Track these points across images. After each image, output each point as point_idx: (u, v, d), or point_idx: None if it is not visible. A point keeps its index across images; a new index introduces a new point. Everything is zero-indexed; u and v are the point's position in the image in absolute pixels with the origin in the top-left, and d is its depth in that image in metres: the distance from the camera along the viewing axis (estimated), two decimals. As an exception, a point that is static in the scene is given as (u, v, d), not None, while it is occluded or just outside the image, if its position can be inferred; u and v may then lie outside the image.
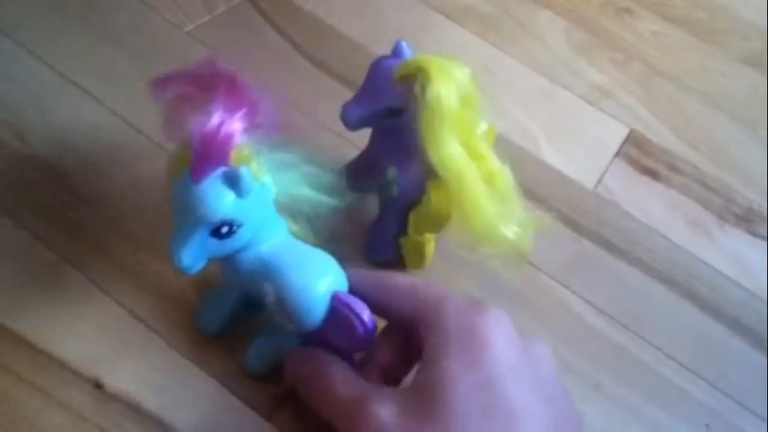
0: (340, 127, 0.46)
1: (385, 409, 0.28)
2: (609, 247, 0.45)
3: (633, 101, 0.56)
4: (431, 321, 0.30)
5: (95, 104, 0.44)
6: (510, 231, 0.34)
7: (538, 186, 0.47)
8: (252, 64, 0.49)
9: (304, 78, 0.50)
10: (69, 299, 0.36)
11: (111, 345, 0.35)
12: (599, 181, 0.49)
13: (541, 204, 0.46)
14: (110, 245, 0.38)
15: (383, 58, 0.36)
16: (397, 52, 0.35)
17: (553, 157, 0.50)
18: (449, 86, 0.33)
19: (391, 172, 0.37)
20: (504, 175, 0.35)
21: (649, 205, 0.49)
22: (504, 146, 0.49)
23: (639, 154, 0.52)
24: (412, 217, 0.38)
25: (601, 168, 0.50)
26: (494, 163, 0.35)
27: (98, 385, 0.33)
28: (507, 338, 0.29)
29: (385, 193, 0.39)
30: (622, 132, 0.53)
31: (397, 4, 0.58)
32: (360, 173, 0.41)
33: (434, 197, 0.36)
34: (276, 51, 0.51)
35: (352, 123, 0.35)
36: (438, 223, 0.37)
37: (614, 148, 0.52)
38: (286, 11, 0.53)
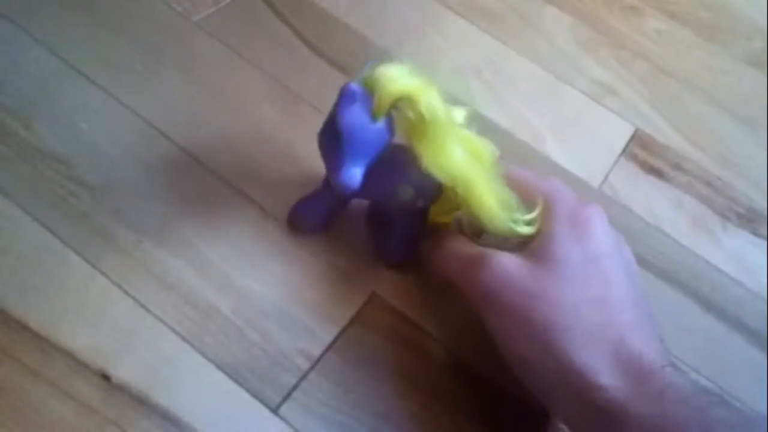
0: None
1: (506, 258, 0.34)
2: (613, 245, 0.45)
3: (637, 99, 0.56)
4: (546, 205, 0.35)
5: (101, 93, 0.44)
6: (517, 222, 0.35)
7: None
8: (257, 54, 0.49)
9: (309, 69, 0.49)
10: (75, 289, 0.36)
11: (117, 336, 0.35)
12: (604, 180, 0.49)
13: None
14: (116, 234, 0.38)
15: (345, 109, 0.33)
16: (349, 96, 0.33)
17: (557, 154, 0.50)
18: (430, 92, 0.33)
19: (407, 191, 0.36)
20: (489, 150, 0.36)
21: (653, 204, 0.49)
22: (508, 142, 0.49)
23: (644, 153, 0.52)
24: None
25: (607, 167, 0.50)
26: (479, 144, 0.36)
27: (105, 376, 0.33)
28: (604, 228, 0.35)
29: (407, 207, 0.37)
30: (627, 130, 0.53)
31: (402, -2, 0.58)
32: (372, 209, 0.42)
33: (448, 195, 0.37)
34: (281, 42, 0.51)
35: (357, 185, 0.34)
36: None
37: (619, 147, 0.52)
38: (292, 2, 0.53)
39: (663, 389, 0.29)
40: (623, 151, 0.52)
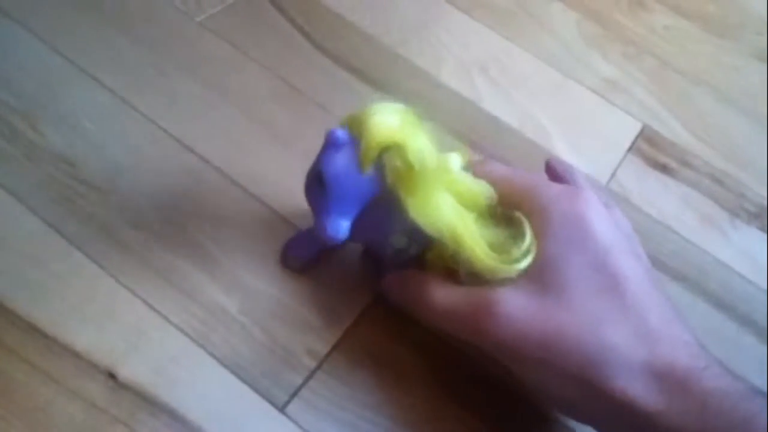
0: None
1: (509, 302, 0.31)
2: (621, 242, 0.45)
3: (645, 95, 0.55)
4: (531, 207, 0.33)
5: (107, 93, 0.44)
6: (514, 261, 0.32)
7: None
8: (263, 53, 0.49)
9: (314, 68, 0.49)
10: (82, 288, 0.36)
11: (124, 335, 0.35)
12: (612, 176, 0.49)
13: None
14: (122, 234, 0.38)
15: (330, 157, 0.31)
16: (334, 144, 0.31)
17: (565, 151, 0.49)
18: (420, 139, 0.31)
19: (400, 240, 0.35)
20: (484, 193, 0.34)
21: (662, 201, 0.48)
22: (515, 140, 0.49)
23: (651, 150, 0.51)
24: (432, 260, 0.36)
25: (614, 163, 0.50)
26: (473, 188, 0.34)
27: (111, 375, 0.33)
28: (601, 217, 0.32)
29: (401, 254, 0.36)
30: (634, 127, 0.53)
31: (408, -5, 0.58)
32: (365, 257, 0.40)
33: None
34: (287, 41, 0.50)
35: (344, 237, 0.32)
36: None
37: (627, 144, 0.51)
38: (297, 1, 0.53)
39: (704, 400, 0.28)
40: (631, 147, 0.51)
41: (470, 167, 0.35)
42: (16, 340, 0.33)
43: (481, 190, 0.34)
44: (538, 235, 0.32)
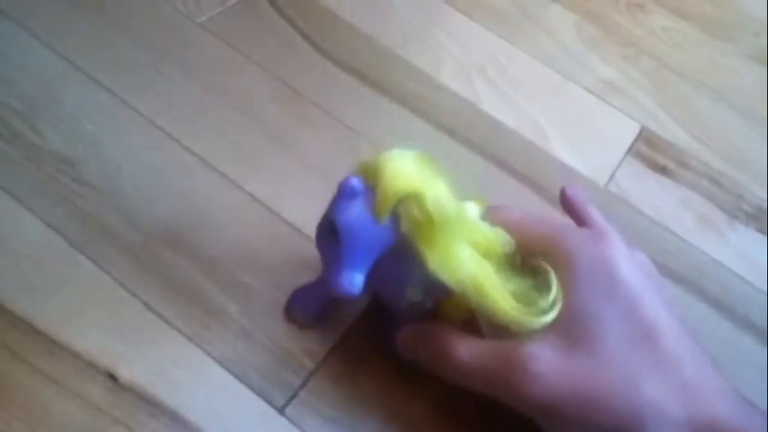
0: (353, 120, 0.47)
1: (539, 358, 0.29)
2: (619, 243, 0.45)
3: (643, 97, 0.56)
4: (553, 254, 0.31)
5: (106, 94, 0.44)
6: (541, 312, 0.30)
7: (549, 182, 0.47)
8: (263, 55, 0.49)
9: (315, 70, 0.50)
10: (82, 289, 0.36)
11: (124, 336, 0.35)
12: (611, 178, 0.49)
13: (553, 200, 0.46)
14: (122, 234, 0.38)
15: (344, 207, 0.30)
16: (349, 193, 0.29)
17: (563, 152, 0.50)
18: (439, 189, 0.29)
19: (415, 293, 0.33)
20: (502, 242, 0.32)
21: (660, 203, 0.49)
22: (514, 141, 0.49)
23: (650, 151, 0.52)
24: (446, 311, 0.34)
25: (613, 165, 0.50)
26: (492, 237, 0.32)
27: (112, 377, 0.33)
28: (628, 262, 0.31)
29: (415, 308, 0.34)
30: (633, 128, 0.53)
31: (407, -3, 0.58)
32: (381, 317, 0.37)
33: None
34: (287, 43, 0.51)
35: (359, 291, 0.30)
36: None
37: (626, 145, 0.52)
38: (297, 2, 0.53)
39: None
40: (629, 148, 0.51)
41: (486, 214, 0.34)
42: (16, 341, 0.33)
43: (499, 239, 0.32)
44: (563, 284, 0.31)
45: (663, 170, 0.51)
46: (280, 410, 0.34)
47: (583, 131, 0.52)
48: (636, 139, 0.52)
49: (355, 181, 0.29)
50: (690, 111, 0.56)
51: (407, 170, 0.29)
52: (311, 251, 0.40)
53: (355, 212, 0.29)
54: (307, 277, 0.38)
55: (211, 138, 0.43)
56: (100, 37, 0.47)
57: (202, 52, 0.48)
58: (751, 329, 0.43)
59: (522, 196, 0.46)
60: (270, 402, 0.34)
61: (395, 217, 0.30)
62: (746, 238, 0.48)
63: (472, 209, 0.33)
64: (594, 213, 0.36)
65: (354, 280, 0.29)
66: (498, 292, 0.30)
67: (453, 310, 0.33)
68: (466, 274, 0.30)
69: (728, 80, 0.59)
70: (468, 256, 0.30)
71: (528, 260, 0.32)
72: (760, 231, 0.49)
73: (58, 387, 0.33)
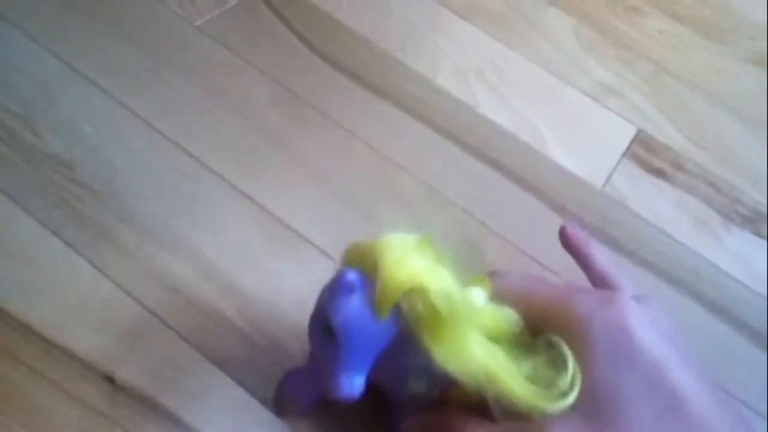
0: (349, 122, 0.47)
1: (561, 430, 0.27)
2: (615, 245, 0.46)
3: (640, 99, 0.56)
4: (564, 324, 0.29)
5: (105, 96, 0.44)
6: (559, 396, 0.28)
7: (546, 185, 0.47)
8: (261, 58, 0.49)
9: (313, 72, 0.50)
10: (79, 291, 0.36)
11: (121, 338, 0.35)
12: (607, 181, 0.49)
13: (550, 203, 0.47)
14: (119, 236, 0.38)
15: (340, 303, 0.27)
16: (347, 289, 0.27)
17: (560, 155, 0.50)
18: (443, 279, 0.27)
19: (418, 385, 0.31)
20: (509, 321, 0.30)
21: (656, 205, 0.49)
22: (511, 144, 0.49)
23: (646, 154, 0.52)
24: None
25: (609, 167, 0.50)
26: (499, 318, 0.30)
27: (109, 379, 0.34)
28: (643, 325, 0.29)
29: (418, 398, 0.32)
30: (629, 131, 0.53)
31: (405, -1, 0.58)
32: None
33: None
34: (285, 46, 0.51)
35: (359, 394, 0.28)
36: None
37: (622, 148, 0.52)
38: (294, 5, 0.53)
39: None
40: (626, 151, 0.52)
41: (486, 285, 0.31)
42: (14, 343, 0.34)
43: (507, 317, 0.30)
44: (579, 357, 0.28)
45: (659, 173, 0.51)
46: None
47: (580, 134, 0.52)
48: (632, 142, 0.52)
49: (352, 275, 0.27)
50: (686, 114, 0.56)
51: (408, 260, 0.27)
52: (308, 252, 0.40)
53: (353, 310, 0.27)
54: (306, 278, 0.38)
55: (208, 140, 0.44)
56: (98, 40, 0.47)
57: (200, 55, 0.48)
58: (745, 330, 0.44)
59: (519, 199, 0.46)
60: (267, 404, 0.34)
61: (396, 309, 0.27)
62: (742, 240, 0.48)
63: (478, 295, 0.30)
64: (599, 257, 0.34)
65: (354, 383, 0.27)
66: (513, 379, 0.28)
67: (461, 397, 0.31)
68: (478, 367, 0.28)
69: (724, 83, 0.59)
70: (478, 347, 0.28)
71: (538, 330, 0.30)
72: (756, 234, 0.49)
73: (56, 389, 0.33)
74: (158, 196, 0.40)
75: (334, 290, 0.27)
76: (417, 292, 0.27)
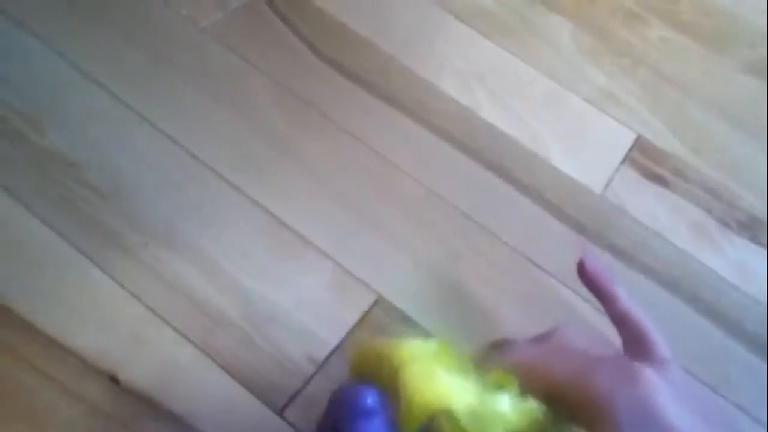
0: (354, 127, 0.47)
1: None
2: (615, 251, 0.46)
3: (639, 106, 0.56)
4: (586, 403, 0.28)
5: (111, 99, 0.44)
6: None
7: (546, 189, 0.48)
8: (264, 60, 0.49)
9: (316, 75, 0.50)
10: (84, 292, 0.36)
11: (126, 338, 0.35)
12: (607, 186, 0.49)
13: (550, 207, 0.47)
14: (124, 237, 0.39)
15: (358, 429, 0.26)
16: (366, 412, 0.26)
17: (560, 161, 0.50)
18: (468, 393, 0.26)
19: None
20: (534, 413, 0.28)
21: (655, 211, 0.49)
22: (511, 149, 0.50)
23: (645, 160, 0.52)
24: None
25: (609, 173, 0.50)
26: (525, 414, 0.28)
27: (113, 379, 0.34)
28: (669, 399, 0.27)
29: None
30: (629, 137, 0.53)
31: (408, 4, 0.58)
32: None
33: None
34: (288, 48, 0.51)
35: None
36: None
37: (621, 154, 0.52)
38: (298, 8, 0.54)
39: None
40: (625, 158, 0.52)
41: (496, 360, 0.30)
42: (19, 344, 0.34)
43: (531, 411, 0.28)
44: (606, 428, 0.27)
45: (658, 179, 0.51)
46: (279, 413, 0.35)
47: (580, 139, 0.52)
48: (632, 148, 0.53)
49: (371, 399, 0.26)
50: (686, 121, 0.56)
51: (432, 377, 0.26)
52: (311, 254, 0.40)
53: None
54: (309, 280, 0.39)
55: (213, 143, 0.44)
56: (105, 43, 0.47)
57: (205, 58, 0.49)
58: (742, 336, 0.44)
59: (519, 203, 0.47)
60: (269, 404, 0.35)
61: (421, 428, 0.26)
62: (740, 246, 0.49)
63: (503, 401, 0.28)
64: (621, 295, 0.33)
65: None
66: None
67: None
68: None
69: (724, 91, 0.60)
70: None
71: (558, 403, 0.29)
72: (753, 240, 0.50)
73: (61, 388, 0.33)
74: (163, 197, 0.41)
75: (352, 412, 0.26)
76: (444, 414, 0.25)
